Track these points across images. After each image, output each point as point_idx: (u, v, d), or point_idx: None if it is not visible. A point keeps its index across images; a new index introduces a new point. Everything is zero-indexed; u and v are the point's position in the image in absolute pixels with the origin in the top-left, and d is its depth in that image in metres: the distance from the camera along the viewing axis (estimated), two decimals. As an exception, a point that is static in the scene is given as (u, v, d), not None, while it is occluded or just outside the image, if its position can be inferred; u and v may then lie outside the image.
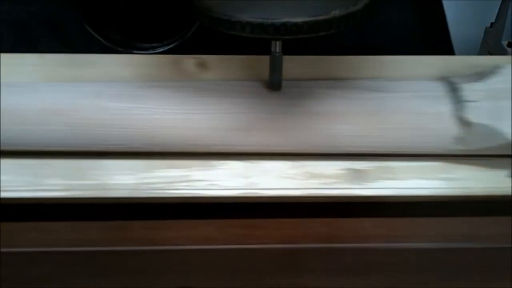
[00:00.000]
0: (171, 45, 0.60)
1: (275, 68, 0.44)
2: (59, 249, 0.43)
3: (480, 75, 0.44)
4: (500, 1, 0.62)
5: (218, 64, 0.48)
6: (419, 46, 0.61)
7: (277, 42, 0.42)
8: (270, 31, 0.36)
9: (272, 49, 0.43)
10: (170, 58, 0.49)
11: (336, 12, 0.36)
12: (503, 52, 0.63)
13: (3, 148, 0.43)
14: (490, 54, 0.66)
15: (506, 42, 0.60)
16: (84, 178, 0.43)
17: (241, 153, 0.44)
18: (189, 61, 0.49)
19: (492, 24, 0.64)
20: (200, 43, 0.59)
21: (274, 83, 0.44)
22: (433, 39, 0.62)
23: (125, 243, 0.43)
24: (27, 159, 0.44)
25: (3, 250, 0.42)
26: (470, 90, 0.43)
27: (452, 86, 0.44)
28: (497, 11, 0.61)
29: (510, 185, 0.42)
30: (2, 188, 0.42)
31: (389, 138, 0.43)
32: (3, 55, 0.48)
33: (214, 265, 0.45)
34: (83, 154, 0.44)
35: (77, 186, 0.42)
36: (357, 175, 0.43)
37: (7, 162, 0.44)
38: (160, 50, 0.60)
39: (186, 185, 0.42)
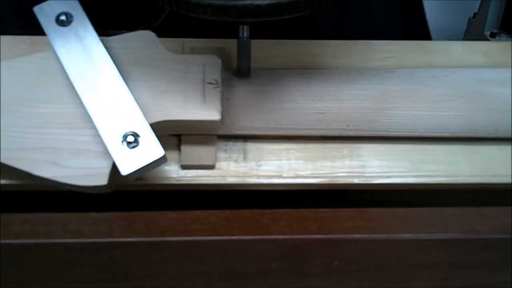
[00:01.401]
0: None
1: (243, 54, 0.43)
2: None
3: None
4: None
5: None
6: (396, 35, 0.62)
7: (244, 27, 0.41)
8: (232, 13, 0.34)
9: (240, 34, 0.42)
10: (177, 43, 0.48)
11: (301, -6, 0.35)
12: (485, 43, 0.65)
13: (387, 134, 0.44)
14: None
15: (488, 33, 0.61)
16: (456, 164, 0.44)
17: None
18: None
19: (475, 14, 0.65)
20: (170, 30, 0.56)
21: (242, 70, 0.44)
22: (410, 27, 0.64)
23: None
24: (403, 145, 0.44)
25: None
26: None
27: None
28: (479, 1, 0.63)
29: None
30: (379, 174, 0.43)
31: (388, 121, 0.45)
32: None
33: None
34: (457, 140, 0.45)
35: (455, 172, 0.43)
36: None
37: (383, 148, 0.44)
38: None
39: None
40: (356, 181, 0.43)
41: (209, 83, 0.41)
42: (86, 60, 0.40)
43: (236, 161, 0.43)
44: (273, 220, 0.37)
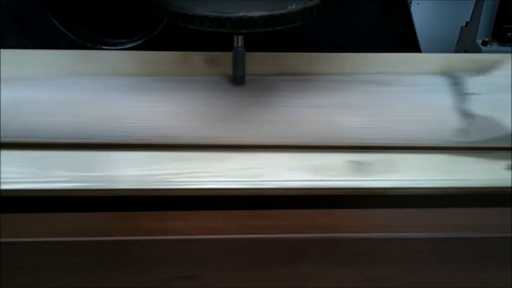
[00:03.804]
0: (140, 41, 0.59)
1: (238, 63, 0.45)
2: (63, 239, 0.42)
3: (481, 70, 0.46)
4: (475, 1, 0.66)
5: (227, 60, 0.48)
6: (385, 43, 0.63)
7: (239, 37, 0.44)
8: (227, 25, 0.37)
9: (235, 44, 0.44)
10: (179, 55, 0.50)
11: (292, 7, 0.37)
12: (477, 50, 0.66)
13: (4, 139, 0.42)
14: (466, 52, 0.68)
15: (480, 41, 0.65)
16: (89, 170, 0.43)
17: (242, 145, 0.45)
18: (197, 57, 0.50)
19: (467, 23, 0.69)
20: (168, 39, 0.59)
21: (236, 78, 0.46)
22: (399, 36, 0.65)
23: (129, 233, 0.43)
24: (32, 151, 0.44)
25: (4, 240, 0.40)
26: (472, 84, 0.45)
27: (454, 80, 0.46)
28: (471, 11, 0.66)
29: (510, 177, 0.43)
30: (4, 180, 0.41)
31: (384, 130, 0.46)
32: (8, 51, 0.47)
33: (218, 255, 0.46)
34: (88, 147, 0.44)
35: (81, 178, 0.42)
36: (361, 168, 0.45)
37: (10, 154, 0.43)
38: (129, 45, 0.59)
39: (190, 177, 0.43)
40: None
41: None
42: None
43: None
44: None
